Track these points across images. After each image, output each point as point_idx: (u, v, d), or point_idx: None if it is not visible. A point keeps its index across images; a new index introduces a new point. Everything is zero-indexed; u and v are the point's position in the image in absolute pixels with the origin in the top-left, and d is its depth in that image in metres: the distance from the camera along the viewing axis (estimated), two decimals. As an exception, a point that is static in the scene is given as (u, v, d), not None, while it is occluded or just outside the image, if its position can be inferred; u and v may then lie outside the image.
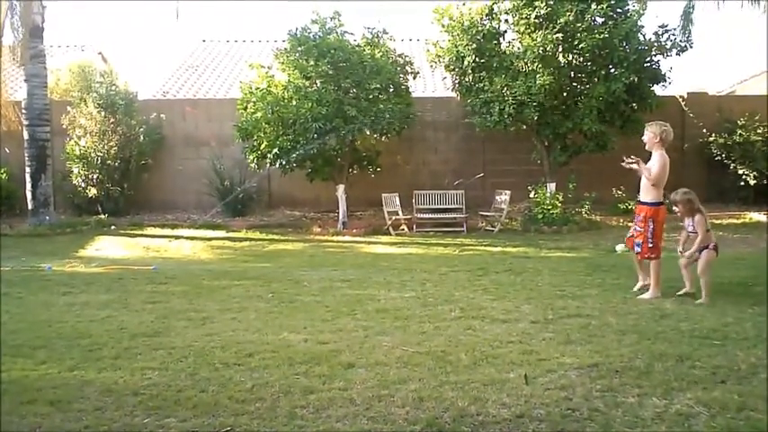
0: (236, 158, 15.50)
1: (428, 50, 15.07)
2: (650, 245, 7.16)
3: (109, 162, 15.43)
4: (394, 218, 14.39)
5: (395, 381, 4.40)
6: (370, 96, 13.88)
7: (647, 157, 7.33)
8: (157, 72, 23.84)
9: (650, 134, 7.20)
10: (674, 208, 7.21)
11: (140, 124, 16.02)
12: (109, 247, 12.27)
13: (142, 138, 15.93)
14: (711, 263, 6.97)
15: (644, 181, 7.25)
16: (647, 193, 7.22)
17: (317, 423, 3.75)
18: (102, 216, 15.12)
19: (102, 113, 15.55)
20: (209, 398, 4.16)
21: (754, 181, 15.02)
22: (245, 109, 14.13)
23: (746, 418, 3.71)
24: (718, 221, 12.93)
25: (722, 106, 16.67)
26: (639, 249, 7.32)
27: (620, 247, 11.11)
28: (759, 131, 15.56)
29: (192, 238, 13.25)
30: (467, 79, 14.45)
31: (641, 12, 13.70)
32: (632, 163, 7.33)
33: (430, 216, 14.99)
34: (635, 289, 7.44)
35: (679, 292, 7.18)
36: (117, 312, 6.68)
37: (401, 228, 14.46)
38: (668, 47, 14.01)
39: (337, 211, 15.01)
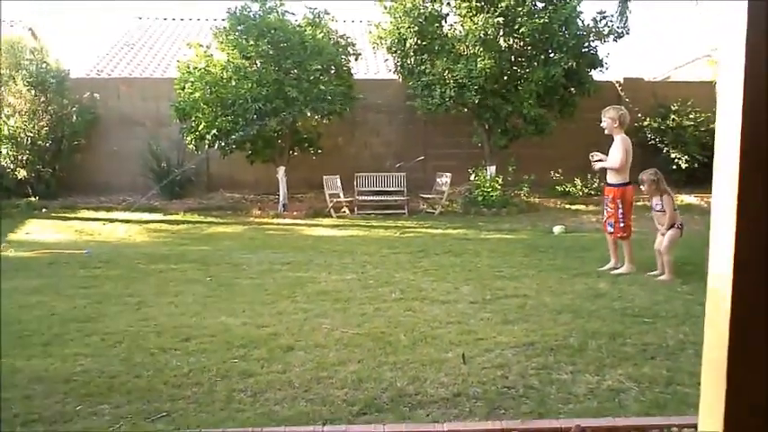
0: (174, 139, 15.14)
1: (370, 32, 14.98)
2: (621, 224, 7.44)
3: (39, 143, 14.88)
4: (335, 200, 14.33)
5: (334, 363, 4.41)
6: (311, 78, 13.72)
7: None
8: (91, 50, 23.07)
9: (609, 120, 7.53)
10: (641, 186, 7.44)
11: (73, 103, 15.46)
12: (40, 231, 11.86)
13: (75, 117, 15.39)
14: (675, 242, 7.26)
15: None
16: (612, 175, 7.59)
17: (255, 406, 3.72)
18: (33, 199, 14.59)
19: (33, 92, 14.96)
20: (144, 383, 4.08)
21: (686, 165, 15.50)
22: (183, 89, 13.78)
23: (674, 393, 3.84)
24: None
25: (657, 92, 17.09)
26: (612, 229, 7.60)
27: (557, 229, 11.36)
28: (691, 117, 16.05)
29: (128, 221, 12.92)
30: (408, 62, 14.43)
31: (579, -3, 13.94)
32: (598, 161, 7.71)
33: (371, 198, 14.98)
34: (604, 268, 7.64)
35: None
36: (48, 298, 6.48)
37: (342, 210, 14.42)
38: (606, 33, 14.29)
39: (278, 193, 14.85)
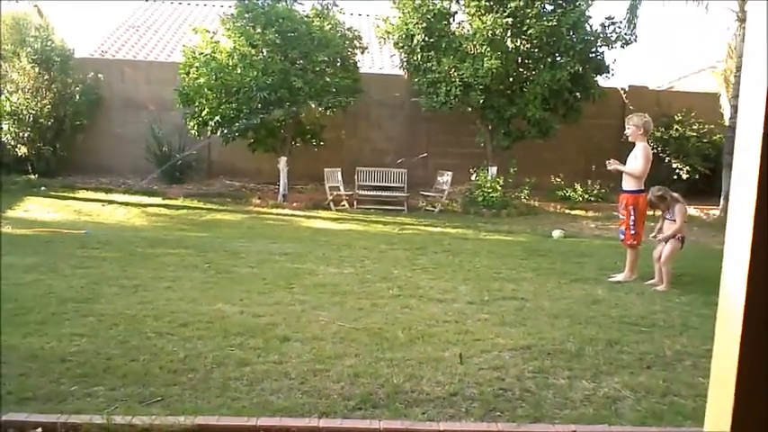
0: (177, 124, 15.10)
1: (378, 26, 14.95)
2: (632, 231, 7.43)
3: (41, 120, 14.85)
4: (335, 193, 14.32)
5: (331, 356, 4.39)
6: (317, 69, 13.71)
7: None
8: (96, 30, 22.96)
9: (633, 127, 7.49)
10: (655, 208, 7.45)
11: (76, 83, 15.43)
12: (38, 209, 11.83)
13: (78, 97, 15.36)
14: (676, 253, 7.24)
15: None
16: (627, 182, 7.54)
17: (250, 395, 3.71)
18: (33, 176, 14.55)
19: (36, 69, 14.92)
20: (140, 367, 4.07)
21: (687, 175, 15.50)
22: (188, 74, 13.75)
23: (670, 403, 3.83)
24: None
25: (661, 101, 17.08)
26: (623, 236, 7.58)
27: (556, 233, 11.35)
28: (694, 128, 16.06)
29: (127, 204, 12.91)
30: (415, 58, 14.39)
31: (589, 2, 13.90)
32: (615, 166, 7.64)
33: (371, 193, 14.96)
34: (621, 279, 7.49)
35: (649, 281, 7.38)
36: (45, 276, 6.46)
37: (342, 203, 14.40)
38: (613, 39, 14.28)
39: (278, 183, 14.83)
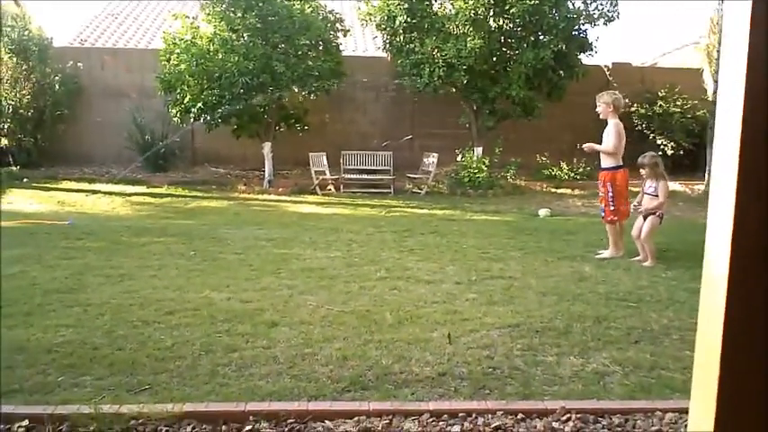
0: (159, 112, 14.93)
1: (359, 8, 14.85)
2: (611, 208, 7.46)
3: (21, 111, 14.68)
4: (321, 177, 14.26)
5: (319, 339, 4.38)
6: (299, 53, 13.60)
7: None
8: (75, 19, 22.66)
9: (603, 105, 7.58)
10: (640, 170, 7.46)
11: (56, 72, 15.24)
12: (21, 201, 11.71)
13: (57, 87, 15.18)
14: (655, 230, 7.28)
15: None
16: (604, 160, 7.60)
17: (239, 381, 3.69)
18: (14, 168, 14.39)
19: (14, 59, 14.72)
20: (127, 356, 4.04)
21: (672, 151, 15.54)
22: (169, 61, 13.61)
23: (658, 377, 3.85)
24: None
25: (645, 78, 17.13)
26: (603, 213, 7.62)
27: (542, 212, 11.37)
28: (678, 103, 16.09)
29: (110, 193, 12.79)
30: (398, 39, 14.32)
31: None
32: (589, 147, 7.75)
33: (357, 177, 14.92)
34: (608, 256, 7.51)
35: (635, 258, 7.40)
36: (29, 268, 6.40)
37: (328, 188, 14.36)
38: (596, 16, 14.24)
39: (263, 169, 14.75)
